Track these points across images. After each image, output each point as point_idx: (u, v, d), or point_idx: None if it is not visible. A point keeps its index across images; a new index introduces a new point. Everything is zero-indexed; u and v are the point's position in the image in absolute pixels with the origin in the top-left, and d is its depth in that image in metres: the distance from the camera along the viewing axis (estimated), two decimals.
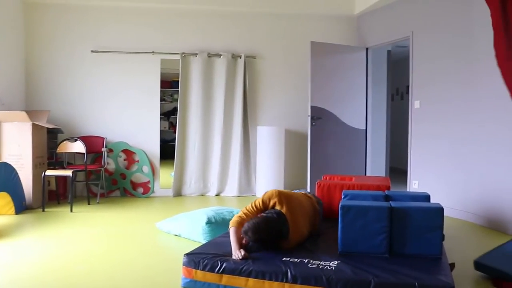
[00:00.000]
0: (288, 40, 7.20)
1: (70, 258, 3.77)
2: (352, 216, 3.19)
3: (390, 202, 3.35)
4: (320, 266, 2.86)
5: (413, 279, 2.63)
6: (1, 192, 5.14)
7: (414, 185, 6.05)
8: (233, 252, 3.10)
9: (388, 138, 7.44)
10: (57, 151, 6.23)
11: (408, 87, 6.26)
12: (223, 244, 3.39)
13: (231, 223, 3.35)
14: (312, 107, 6.71)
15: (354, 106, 7.04)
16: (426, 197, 3.70)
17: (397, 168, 9.18)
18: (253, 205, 3.44)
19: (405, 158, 6.29)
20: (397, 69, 9.63)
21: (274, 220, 3.23)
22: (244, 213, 3.40)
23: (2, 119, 5.75)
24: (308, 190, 6.51)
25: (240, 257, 3.00)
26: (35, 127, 5.78)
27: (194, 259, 3.04)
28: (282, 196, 3.42)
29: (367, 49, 7.10)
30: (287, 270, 2.81)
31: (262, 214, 3.32)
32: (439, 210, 3.13)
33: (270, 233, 3.19)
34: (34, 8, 6.70)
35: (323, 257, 3.05)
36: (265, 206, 3.43)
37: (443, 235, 3.24)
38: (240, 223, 3.30)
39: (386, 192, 3.86)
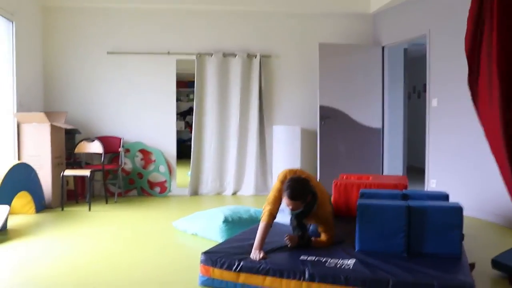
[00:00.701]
0: (303, 39, 7.17)
1: (89, 256, 3.81)
2: (369, 215, 3.17)
3: (408, 201, 3.32)
4: (338, 265, 2.85)
5: (432, 279, 2.61)
6: (22, 192, 5.22)
7: (432, 184, 5.99)
8: (253, 249, 3.11)
9: (405, 136, 7.38)
10: (75, 151, 6.30)
11: (425, 85, 6.20)
12: (241, 242, 3.40)
13: (262, 217, 3.28)
14: (323, 107, 6.84)
15: (370, 105, 7.01)
16: (445, 196, 3.67)
17: (414, 167, 9.10)
18: (274, 191, 3.36)
19: (423, 157, 6.23)
20: (414, 67, 9.54)
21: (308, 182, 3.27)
22: (269, 204, 3.32)
23: (22, 120, 5.83)
24: None
25: (258, 259, 3.01)
26: (53, 128, 5.86)
27: (212, 257, 3.06)
28: (297, 171, 3.47)
29: (383, 47, 7.05)
30: (305, 269, 2.81)
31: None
32: (458, 209, 3.10)
33: (308, 190, 3.22)
34: (52, 12, 6.79)
35: (340, 256, 3.04)
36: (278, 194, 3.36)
37: (463, 235, 3.21)
38: (270, 216, 3.27)
39: (404, 191, 3.83)
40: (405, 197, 3.66)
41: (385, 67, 7.08)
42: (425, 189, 6.09)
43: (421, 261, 2.94)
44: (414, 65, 9.42)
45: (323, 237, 3.37)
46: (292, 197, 3.15)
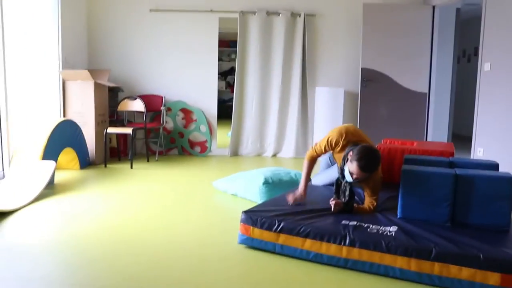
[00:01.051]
0: None
1: (130, 214, 3.90)
2: (414, 181, 3.08)
3: (455, 169, 3.20)
4: (380, 231, 2.80)
5: (478, 251, 2.51)
6: (67, 148, 5.35)
7: (478, 152, 5.78)
8: (299, 188, 3.41)
9: (452, 102, 7.11)
10: (118, 110, 6.38)
11: (476, 48, 5.90)
12: (282, 203, 3.39)
13: (307, 156, 3.49)
14: (366, 69, 6.69)
15: (416, 69, 6.77)
16: (494, 166, 3.51)
17: (459, 135, 8.82)
18: (322, 147, 3.44)
19: (470, 124, 5.99)
20: (465, 29, 9.11)
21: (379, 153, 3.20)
22: (315, 151, 3.48)
23: (66, 77, 5.93)
24: None
25: (298, 198, 3.33)
26: (97, 86, 5.93)
27: (252, 216, 3.07)
28: (352, 137, 3.37)
29: (433, 7, 6.72)
30: (346, 233, 2.78)
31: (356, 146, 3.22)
32: (509, 180, 2.94)
33: (379, 163, 3.17)
34: None
35: (382, 223, 2.98)
36: (336, 147, 3.41)
37: (511, 207, 3.08)
38: (312, 159, 3.48)
39: (451, 158, 3.69)
40: (452, 165, 3.53)
41: (435, 28, 6.76)
42: (472, 158, 5.89)
43: (466, 232, 2.84)
44: (466, 27, 8.99)
45: (367, 202, 3.31)
46: (365, 169, 3.07)
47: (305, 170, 3.49)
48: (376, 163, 3.13)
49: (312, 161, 3.51)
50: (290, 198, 3.39)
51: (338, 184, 3.34)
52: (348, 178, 3.17)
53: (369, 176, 3.17)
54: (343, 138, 3.36)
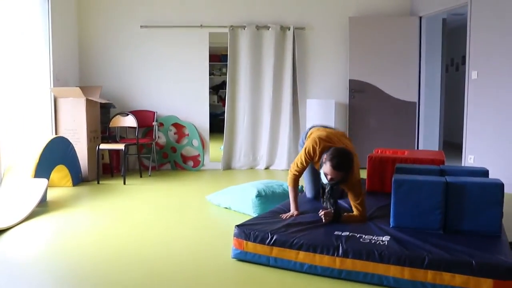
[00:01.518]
0: (338, 10, 6.99)
1: (124, 229, 3.89)
2: (405, 190, 3.10)
3: (446, 176, 3.24)
4: (372, 241, 2.81)
5: (470, 257, 2.53)
6: (59, 165, 5.34)
7: (469, 160, 5.83)
8: (291, 209, 3.48)
9: (442, 111, 7.18)
10: (110, 126, 6.38)
11: (464, 57, 5.98)
12: (274, 216, 3.40)
13: (289, 182, 3.52)
14: (354, 81, 6.83)
15: (405, 79, 6.86)
16: (484, 172, 3.55)
17: (451, 142, 8.88)
18: (302, 159, 3.48)
19: (460, 132, 6.05)
20: (452, 39, 9.22)
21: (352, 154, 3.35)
22: (296, 171, 3.51)
23: (58, 95, 5.93)
24: None
25: (295, 215, 3.37)
26: (88, 102, 5.94)
27: (245, 230, 3.07)
28: (326, 143, 3.45)
29: (420, 18, 6.82)
30: (339, 244, 2.79)
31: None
32: (499, 186, 2.99)
33: (352, 162, 3.27)
34: None
35: (375, 232, 3.00)
36: (314, 156, 3.47)
37: (502, 213, 3.11)
38: (295, 181, 3.51)
39: (441, 166, 3.73)
40: (442, 172, 3.57)
41: (422, 38, 6.86)
42: (463, 165, 5.93)
43: (459, 239, 2.87)
44: (453, 36, 9.11)
45: (354, 208, 3.37)
46: (338, 168, 3.19)
47: (292, 194, 3.52)
48: (347, 162, 3.22)
49: (296, 183, 3.54)
50: (284, 217, 3.41)
51: (323, 192, 3.41)
52: (324, 180, 3.28)
53: (345, 177, 3.24)
54: (318, 145, 3.44)
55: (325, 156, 3.27)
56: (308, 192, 3.99)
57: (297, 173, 3.51)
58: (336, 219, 3.24)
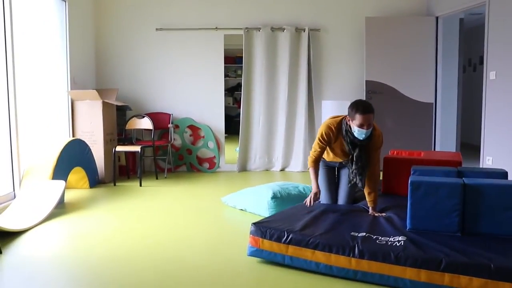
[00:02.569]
0: (353, 11, 6.97)
1: (140, 230, 3.91)
2: (422, 192, 3.06)
3: (463, 178, 3.20)
4: (389, 243, 2.79)
5: (488, 261, 2.49)
6: (77, 167, 5.40)
7: (487, 161, 5.75)
8: (312, 189, 3.66)
9: (459, 111, 7.10)
10: (126, 128, 6.44)
11: (482, 57, 5.91)
12: (291, 216, 3.39)
13: (309, 163, 3.73)
14: (370, 82, 6.80)
15: (421, 79, 6.80)
16: (503, 174, 3.49)
17: (469, 143, 8.77)
18: (315, 147, 3.70)
19: (478, 133, 5.98)
20: (470, 39, 9.12)
21: None
22: (313, 154, 3.70)
23: (75, 97, 6.00)
24: None
25: (314, 197, 3.60)
26: (105, 105, 6.00)
27: (262, 228, 3.07)
28: (335, 119, 3.70)
29: (437, 18, 6.75)
30: (355, 245, 2.77)
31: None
32: None
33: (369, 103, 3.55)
34: None
35: (391, 234, 2.97)
36: (328, 137, 3.65)
37: None
38: (315, 162, 3.70)
39: (459, 168, 3.68)
40: (460, 174, 3.52)
41: (439, 39, 6.79)
42: (481, 167, 5.85)
43: (477, 242, 2.82)
44: (470, 36, 9.01)
45: (375, 171, 3.64)
46: (367, 111, 3.43)
47: (313, 173, 3.70)
48: (369, 104, 3.51)
49: (316, 164, 3.72)
50: (308, 201, 3.64)
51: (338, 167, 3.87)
52: (361, 135, 3.47)
53: (371, 138, 3.53)
54: (331, 128, 3.62)
55: (347, 118, 3.54)
56: (324, 199, 3.90)
57: (317, 154, 3.69)
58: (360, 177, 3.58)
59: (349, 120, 3.52)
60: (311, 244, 2.88)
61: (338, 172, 3.97)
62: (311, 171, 3.71)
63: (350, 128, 3.52)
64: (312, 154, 3.72)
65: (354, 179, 3.63)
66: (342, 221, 3.28)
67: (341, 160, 3.80)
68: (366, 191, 3.60)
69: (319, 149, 3.68)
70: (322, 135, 3.64)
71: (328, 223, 3.20)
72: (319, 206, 3.70)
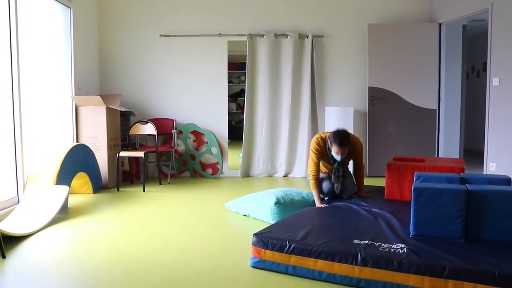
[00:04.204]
0: (357, 17, 6.99)
1: (143, 236, 3.92)
2: (425, 198, 3.07)
3: (467, 184, 3.19)
4: (392, 250, 2.78)
5: (492, 267, 2.49)
6: (80, 172, 5.41)
7: (491, 167, 5.74)
8: (316, 204, 4.26)
9: (462, 118, 7.09)
10: (130, 133, 6.46)
11: (485, 64, 5.91)
12: (292, 224, 3.39)
13: (311, 185, 4.36)
14: (373, 88, 6.83)
15: (425, 86, 6.81)
16: (506, 180, 3.49)
17: (472, 149, 8.76)
18: (312, 158, 4.37)
19: (481, 140, 5.97)
20: (473, 45, 9.13)
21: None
22: (311, 171, 4.36)
23: (79, 103, 6.03)
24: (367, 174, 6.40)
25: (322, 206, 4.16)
26: (109, 111, 6.02)
27: (263, 239, 3.07)
28: (323, 135, 4.44)
29: (440, 24, 6.77)
30: (357, 253, 2.76)
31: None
32: None
33: (348, 134, 4.30)
34: None
35: (394, 240, 2.97)
36: (321, 148, 4.36)
37: None
38: (316, 180, 4.34)
39: (462, 174, 3.68)
40: (463, 180, 3.52)
41: (442, 45, 6.80)
42: (484, 173, 5.84)
43: (480, 248, 2.82)
44: (473, 43, 9.02)
45: (358, 169, 4.59)
46: (343, 144, 4.19)
47: (315, 194, 4.33)
48: (347, 136, 4.24)
49: (316, 185, 4.34)
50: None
51: (329, 176, 4.49)
52: (338, 158, 4.29)
53: (351, 149, 4.31)
54: (318, 143, 4.36)
55: (329, 142, 4.28)
56: (326, 190, 4.51)
57: (313, 173, 4.34)
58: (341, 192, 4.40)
59: (330, 144, 4.26)
60: (314, 253, 2.87)
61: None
62: (314, 193, 4.33)
63: (331, 149, 4.31)
64: (311, 169, 4.37)
65: (335, 185, 4.41)
66: (344, 229, 3.28)
67: (327, 171, 4.56)
68: (356, 181, 4.57)
69: (316, 160, 4.35)
70: (315, 148, 4.37)
71: (330, 231, 3.20)
72: (319, 209, 3.70)
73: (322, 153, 4.38)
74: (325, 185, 4.49)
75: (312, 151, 4.37)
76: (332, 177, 4.41)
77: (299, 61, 6.94)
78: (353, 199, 4.35)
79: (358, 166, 4.61)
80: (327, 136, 4.36)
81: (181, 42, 6.99)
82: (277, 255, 3.00)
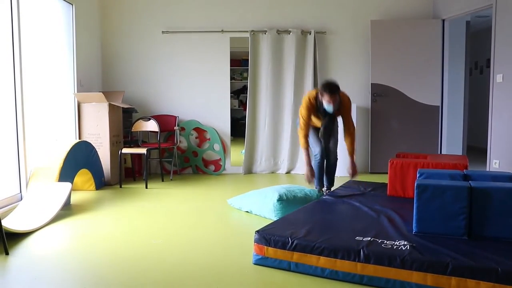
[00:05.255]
0: (359, 14, 6.96)
1: (146, 232, 3.92)
2: (428, 195, 3.06)
3: (470, 181, 3.18)
4: (395, 247, 2.78)
5: (495, 264, 2.48)
6: (83, 169, 5.42)
7: (494, 164, 5.72)
8: (306, 168, 4.54)
9: (465, 115, 7.07)
10: (132, 130, 6.46)
11: (488, 60, 5.88)
12: (295, 221, 3.39)
13: (301, 144, 4.61)
14: (375, 85, 6.82)
15: (427, 82, 6.78)
16: (509, 177, 3.48)
17: (475, 146, 8.74)
18: (303, 116, 4.54)
19: (484, 136, 5.95)
20: (476, 41, 9.10)
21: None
22: (302, 129, 4.57)
23: (82, 100, 6.03)
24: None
25: (309, 172, 4.51)
26: (111, 107, 6.02)
27: (266, 236, 3.06)
28: (312, 92, 4.62)
29: (443, 21, 6.74)
30: (360, 249, 2.76)
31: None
32: None
33: (336, 82, 4.46)
34: None
35: (397, 237, 2.96)
36: (311, 104, 4.53)
37: None
38: (306, 138, 4.58)
39: (465, 171, 3.67)
40: (466, 177, 3.51)
41: (445, 41, 6.77)
42: (487, 170, 5.83)
43: (483, 245, 2.81)
44: (477, 39, 8.98)
45: (349, 129, 4.60)
46: (332, 91, 4.35)
47: (306, 155, 4.57)
48: (336, 84, 4.40)
49: (306, 143, 4.58)
50: (306, 178, 4.56)
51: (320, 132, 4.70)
52: (329, 109, 4.46)
53: (340, 101, 4.46)
54: (310, 99, 4.52)
55: (320, 95, 4.44)
56: (314, 149, 4.75)
57: (305, 127, 4.54)
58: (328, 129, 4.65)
59: (321, 94, 4.42)
60: (316, 250, 2.87)
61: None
62: (304, 152, 4.58)
63: (322, 101, 4.46)
64: (301, 125, 4.56)
65: (322, 137, 4.67)
66: (346, 226, 3.27)
67: (318, 126, 4.69)
68: (346, 147, 4.65)
69: (306, 116, 4.52)
70: (307, 103, 4.52)
71: (332, 228, 3.20)
72: (321, 206, 3.69)
73: (313, 108, 4.54)
74: (316, 146, 4.74)
75: (303, 108, 4.53)
76: (321, 129, 4.64)
77: (302, 57, 6.92)
78: (355, 196, 4.35)
79: (347, 127, 4.63)
80: (316, 93, 4.53)
81: (183, 39, 6.98)
82: (280, 252, 2.99)
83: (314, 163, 4.71)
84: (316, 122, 4.71)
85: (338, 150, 4.77)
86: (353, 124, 4.65)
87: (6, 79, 4.60)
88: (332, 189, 4.85)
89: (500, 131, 5.63)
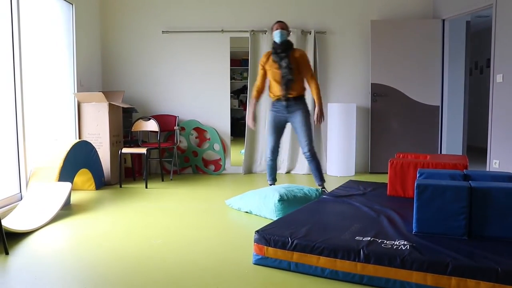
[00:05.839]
0: (359, 14, 6.96)
1: (145, 232, 3.92)
2: (428, 195, 3.06)
3: (470, 181, 3.18)
4: (394, 247, 2.78)
5: (496, 264, 2.47)
6: (83, 169, 5.42)
7: (494, 164, 5.72)
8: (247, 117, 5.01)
9: (465, 114, 7.07)
10: (132, 130, 6.46)
11: (489, 60, 5.88)
12: (294, 221, 3.39)
13: (252, 95, 5.02)
14: (375, 85, 6.82)
15: (427, 82, 6.79)
16: (510, 177, 3.48)
17: (475, 146, 8.74)
18: (259, 71, 4.95)
19: (485, 136, 5.95)
20: (477, 41, 9.10)
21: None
22: (256, 80, 5.02)
23: (82, 100, 6.03)
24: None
25: (250, 123, 4.98)
26: (111, 107, 6.02)
27: (265, 236, 3.06)
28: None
29: (443, 20, 6.74)
30: (360, 249, 2.76)
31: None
32: None
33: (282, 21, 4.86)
34: None
35: (397, 237, 2.96)
36: (264, 60, 4.90)
37: None
38: (256, 90, 5.03)
39: (465, 171, 3.67)
40: (466, 177, 3.51)
41: (446, 41, 6.78)
42: (487, 170, 5.83)
43: (483, 245, 2.81)
44: (477, 39, 8.98)
45: (312, 85, 4.88)
46: (279, 21, 4.79)
47: (252, 104, 5.07)
48: (281, 21, 4.81)
49: (258, 95, 5.04)
50: (249, 125, 5.06)
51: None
52: (277, 36, 4.74)
53: (297, 59, 4.74)
54: (264, 54, 4.92)
55: (272, 36, 4.80)
56: (269, 143, 5.04)
57: (257, 83, 5.02)
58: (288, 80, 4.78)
59: (272, 31, 4.79)
60: (316, 250, 2.87)
61: (287, 121, 5.00)
62: (251, 102, 5.05)
63: (274, 42, 4.76)
64: (256, 82, 5.02)
65: (284, 79, 4.74)
66: (346, 226, 3.27)
67: (281, 93, 4.79)
68: (313, 96, 4.93)
69: (262, 72, 4.90)
70: (260, 61, 4.92)
71: (332, 228, 3.20)
72: (321, 206, 3.69)
73: (268, 61, 4.84)
74: (269, 138, 5.02)
75: (260, 64, 4.94)
76: (281, 82, 4.76)
77: None
78: (355, 196, 4.35)
79: (309, 77, 4.87)
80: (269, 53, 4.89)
81: (183, 39, 6.98)
82: (280, 252, 2.99)
83: (266, 162, 5.17)
84: (276, 77, 4.83)
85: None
86: (312, 74, 4.91)
87: (6, 79, 4.60)
88: (332, 189, 4.84)
89: (500, 131, 5.63)
